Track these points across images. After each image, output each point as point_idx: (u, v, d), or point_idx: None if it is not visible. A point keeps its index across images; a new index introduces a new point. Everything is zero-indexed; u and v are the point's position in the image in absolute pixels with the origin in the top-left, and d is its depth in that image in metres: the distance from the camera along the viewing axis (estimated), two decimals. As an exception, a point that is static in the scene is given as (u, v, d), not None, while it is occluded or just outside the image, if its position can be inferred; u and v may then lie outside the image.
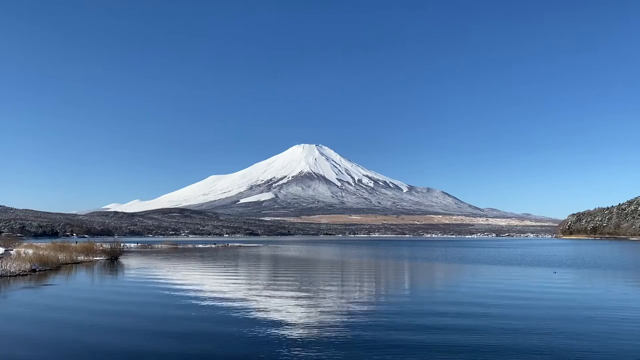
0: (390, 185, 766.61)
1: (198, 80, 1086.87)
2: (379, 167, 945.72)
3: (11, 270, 31.30)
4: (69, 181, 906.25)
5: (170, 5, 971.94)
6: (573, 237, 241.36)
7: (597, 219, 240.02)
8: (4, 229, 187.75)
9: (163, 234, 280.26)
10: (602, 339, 13.62)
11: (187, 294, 22.83)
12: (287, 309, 18.56)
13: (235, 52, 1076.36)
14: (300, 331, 14.44)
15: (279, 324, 15.54)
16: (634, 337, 14.03)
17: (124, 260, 48.61)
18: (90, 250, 49.72)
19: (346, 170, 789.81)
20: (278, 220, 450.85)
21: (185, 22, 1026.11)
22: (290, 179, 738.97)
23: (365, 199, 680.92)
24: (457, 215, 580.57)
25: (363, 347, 12.59)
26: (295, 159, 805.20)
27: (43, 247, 50.58)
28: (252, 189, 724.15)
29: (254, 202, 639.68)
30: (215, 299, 21.21)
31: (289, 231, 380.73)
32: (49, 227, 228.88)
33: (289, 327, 14.96)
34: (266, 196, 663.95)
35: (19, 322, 16.49)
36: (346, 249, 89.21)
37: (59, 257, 40.39)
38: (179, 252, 69.64)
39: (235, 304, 19.52)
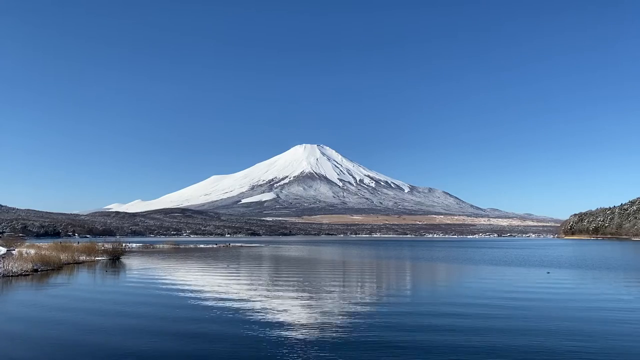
0: (392, 185, 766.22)
1: (199, 80, 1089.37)
2: (380, 167, 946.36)
3: (13, 270, 31.38)
4: (71, 181, 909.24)
5: (172, 6, 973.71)
6: (575, 237, 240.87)
7: (599, 219, 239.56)
8: (6, 229, 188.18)
9: (165, 234, 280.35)
10: (603, 340, 13.62)
11: (189, 295, 22.85)
12: (289, 309, 18.55)
13: (237, 53, 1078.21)
14: (303, 332, 14.44)
15: (281, 324, 15.54)
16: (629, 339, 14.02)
17: (125, 260, 48.67)
18: (92, 250, 49.82)
19: (348, 170, 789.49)
20: (280, 220, 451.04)
21: (187, 22, 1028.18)
22: (291, 179, 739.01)
23: (367, 199, 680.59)
24: (459, 215, 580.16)
25: (366, 349, 12.60)
26: (296, 159, 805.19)
27: (45, 247, 50.70)
28: (253, 189, 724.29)
29: (256, 202, 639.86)
30: (217, 299, 21.23)
31: (290, 231, 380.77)
32: (51, 227, 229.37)
33: (292, 328, 14.96)
34: (268, 196, 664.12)
35: (21, 322, 16.50)
36: (348, 249, 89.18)
37: (61, 257, 40.47)
38: (180, 252, 69.71)
39: (238, 305, 19.53)
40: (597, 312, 18.29)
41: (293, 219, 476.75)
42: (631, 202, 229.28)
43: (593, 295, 23.47)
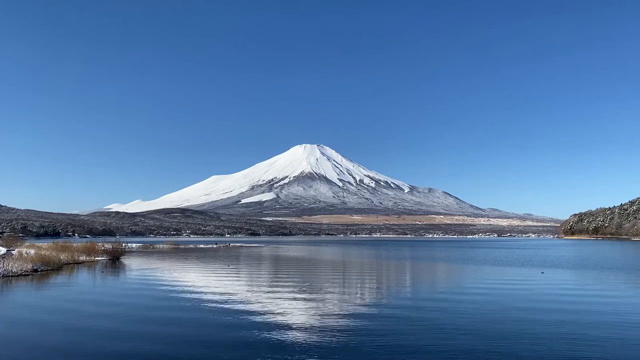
0: (392, 185, 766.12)
1: (199, 80, 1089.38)
2: (380, 168, 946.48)
3: (13, 270, 31.35)
4: (71, 181, 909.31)
5: (173, 6, 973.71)
6: (575, 237, 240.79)
7: (599, 219, 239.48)
8: (6, 229, 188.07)
9: (165, 234, 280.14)
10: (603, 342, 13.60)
11: (189, 295, 22.80)
12: (289, 309, 18.52)
13: (238, 53, 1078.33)
14: (304, 332, 14.41)
15: (281, 325, 15.51)
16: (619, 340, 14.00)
17: (125, 260, 48.63)
18: (92, 250, 49.76)
19: (347, 170, 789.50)
20: (279, 220, 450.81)
21: (187, 22, 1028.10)
22: (291, 179, 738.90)
23: (367, 199, 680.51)
24: (459, 215, 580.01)
25: (366, 349, 12.58)
26: (296, 159, 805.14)
27: (45, 247, 50.68)
28: (253, 189, 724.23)
29: (256, 202, 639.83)
30: (218, 299, 21.19)
31: (290, 231, 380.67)
32: (51, 228, 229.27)
33: (292, 329, 14.93)
34: (268, 196, 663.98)
35: (21, 322, 16.46)
36: (348, 249, 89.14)
37: (61, 257, 40.43)
38: (180, 252, 69.67)
39: (239, 305, 19.50)
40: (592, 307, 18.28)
41: (293, 219, 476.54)
42: (631, 202, 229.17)
43: (590, 294, 23.47)
